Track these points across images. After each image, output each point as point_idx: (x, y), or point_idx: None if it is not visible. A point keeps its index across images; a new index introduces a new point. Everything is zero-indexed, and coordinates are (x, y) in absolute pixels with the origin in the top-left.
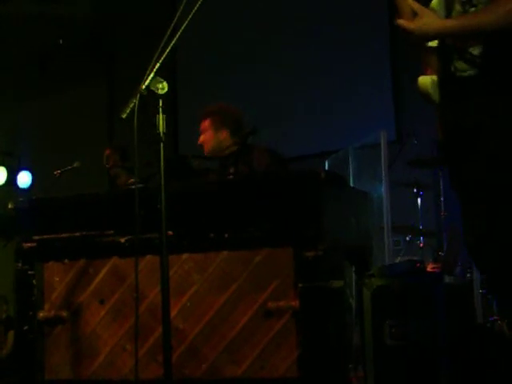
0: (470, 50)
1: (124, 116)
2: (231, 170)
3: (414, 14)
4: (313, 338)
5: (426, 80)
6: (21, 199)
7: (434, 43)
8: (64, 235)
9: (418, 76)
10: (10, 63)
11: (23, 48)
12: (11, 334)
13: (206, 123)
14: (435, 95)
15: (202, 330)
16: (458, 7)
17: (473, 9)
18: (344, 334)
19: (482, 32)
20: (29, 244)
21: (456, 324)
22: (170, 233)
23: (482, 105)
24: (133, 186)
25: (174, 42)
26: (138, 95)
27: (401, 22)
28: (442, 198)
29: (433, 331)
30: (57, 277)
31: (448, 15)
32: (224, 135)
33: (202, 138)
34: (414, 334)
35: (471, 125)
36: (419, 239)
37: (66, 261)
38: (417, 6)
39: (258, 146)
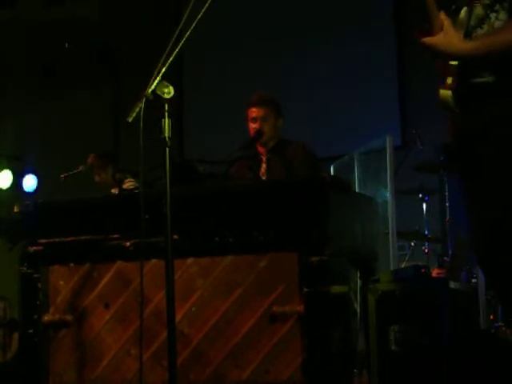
0: None
1: (130, 120)
2: (264, 162)
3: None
4: (317, 343)
5: (446, 93)
6: (26, 203)
7: (454, 62)
8: (69, 239)
9: (437, 88)
10: (17, 67)
11: (30, 52)
12: (16, 336)
13: (267, 111)
14: (455, 107)
15: (207, 334)
16: (479, 10)
17: (493, 14)
18: (349, 339)
19: (506, 50)
20: (34, 247)
21: (460, 330)
22: (176, 237)
23: (497, 110)
24: (137, 191)
25: (180, 46)
26: (144, 99)
27: (425, 40)
28: (447, 204)
29: (437, 337)
30: (62, 280)
31: (469, 19)
32: (281, 123)
33: (261, 125)
34: (418, 340)
35: (484, 130)
36: (424, 245)
37: (71, 264)
38: (446, 23)
39: (295, 141)
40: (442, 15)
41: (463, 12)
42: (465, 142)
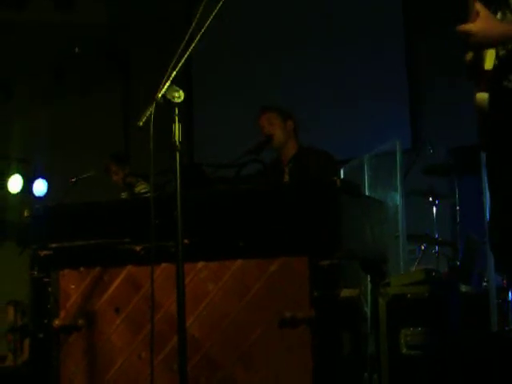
0: None
1: (141, 124)
2: (286, 173)
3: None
4: (328, 347)
5: (483, 96)
6: (37, 207)
7: (489, 66)
8: (79, 243)
9: (475, 92)
10: (26, 71)
11: (39, 55)
12: (27, 341)
13: (271, 115)
14: (490, 110)
15: (218, 338)
16: (510, 17)
17: None
18: (359, 342)
19: None
20: (44, 252)
21: (471, 333)
22: (186, 241)
23: None
24: (148, 195)
25: (190, 50)
26: (154, 104)
27: (461, 27)
28: (457, 207)
29: (448, 340)
30: (72, 284)
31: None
32: (291, 125)
33: (269, 129)
34: (429, 343)
35: None
36: (434, 248)
37: (82, 269)
38: (482, 10)
39: (316, 150)
40: (478, 5)
41: (499, 16)
42: (496, 142)
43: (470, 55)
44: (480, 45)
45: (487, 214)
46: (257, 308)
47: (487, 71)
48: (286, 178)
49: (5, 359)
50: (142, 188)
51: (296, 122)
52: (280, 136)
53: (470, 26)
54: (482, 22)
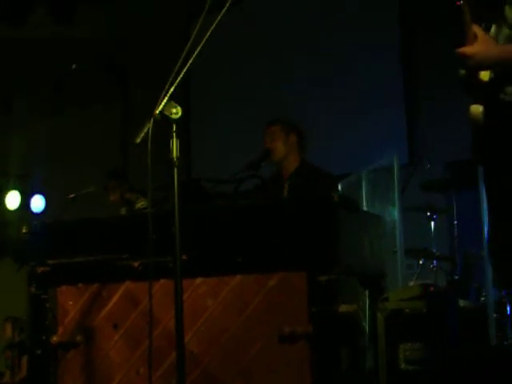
0: None
1: (138, 141)
2: (286, 188)
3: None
4: (326, 362)
5: (477, 109)
6: (34, 223)
7: (486, 77)
8: (77, 259)
9: (469, 104)
10: (24, 85)
11: (37, 70)
12: (25, 358)
13: (276, 129)
14: (485, 122)
15: (216, 354)
16: (506, 31)
17: None
18: (358, 358)
19: None
20: (42, 268)
21: (470, 347)
22: (184, 257)
23: None
24: (146, 210)
25: (187, 66)
26: (152, 120)
27: (460, 50)
28: (455, 222)
29: (447, 355)
30: (70, 301)
31: (497, 38)
32: (294, 139)
33: (270, 143)
34: (428, 358)
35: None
36: (433, 263)
37: (80, 285)
38: (480, 33)
39: (318, 167)
40: (476, 27)
41: (493, 30)
42: (492, 153)
43: (463, 71)
44: (478, 67)
45: (485, 228)
46: (256, 323)
47: (483, 83)
48: (285, 193)
49: (2, 376)
50: (142, 204)
51: (301, 136)
52: (280, 149)
53: (467, 49)
54: (479, 45)
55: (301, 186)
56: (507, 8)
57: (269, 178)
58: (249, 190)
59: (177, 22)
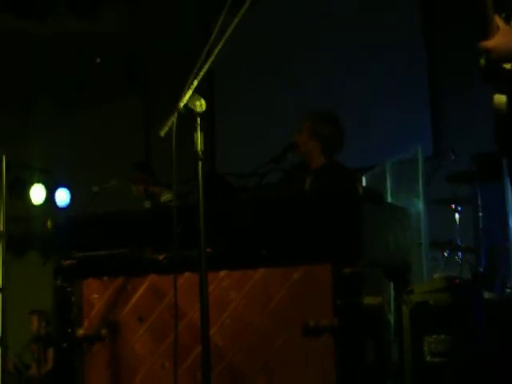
0: None
1: (163, 134)
2: (308, 183)
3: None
4: (351, 355)
5: (501, 98)
6: (59, 217)
7: (509, 65)
8: (103, 252)
9: (493, 94)
10: (47, 81)
11: (61, 66)
12: (51, 351)
13: (305, 125)
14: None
15: (241, 347)
16: None
17: None
18: (383, 350)
19: None
20: (68, 261)
21: (496, 340)
22: (209, 250)
23: None
24: (171, 203)
25: (211, 59)
26: (176, 113)
27: (481, 43)
28: (480, 214)
29: (472, 347)
30: (96, 294)
31: None
32: (311, 146)
33: (297, 137)
34: (453, 351)
35: None
36: (457, 255)
37: (105, 278)
38: (502, 25)
39: (344, 166)
40: (497, 19)
41: None
42: None
43: (483, 61)
44: (500, 59)
45: (510, 220)
46: (280, 316)
47: (506, 72)
48: (307, 186)
49: (29, 369)
50: (167, 197)
51: (327, 142)
52: (304, 145)
53: (489, 42)
54: (500, 37)
55: (323, 182)
56: None
57: (292, 168)
58: (272, 184)
59: (199, 15)
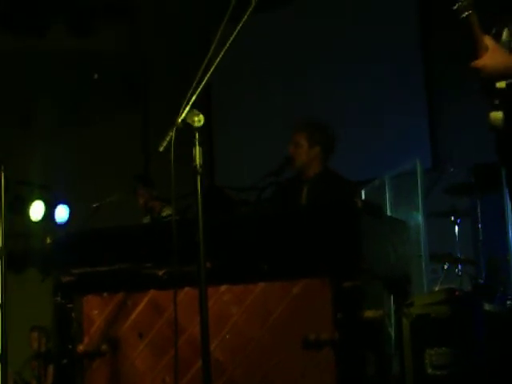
0: None
1: (161, 149)
2: (304, 192)
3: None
4: (352, 368)
5: (497, 115)
6: (59, 233)
7: (503, 84)
8: (102, 268)
9: (487, 111)
10: (45, 96)
11: (59, 81)
12: (51, 367)
13: (300, 137)
14: (505, 128)
15: (241, 361)
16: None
17: None
18: (383, 364)
19: None
20: (67, 278)
21: (497, 352)
22: (209, 265)
23: None
24: (170, 218)
25: (208, 75)
26: (175, 128)
27: (472, 63)
28: (479, 225)
29: (473, 359)
30: (95, 310)
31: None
32: (316, 151)
33: (293, 151)
34: (454, 363)
35: None
36: (457, 267)
37: (105, 294)
38: (490, 44)
39: (340, 175)
40: (487, 38)
41: (505, 34)
42: None
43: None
44: (490, 78)
45: (510, 231)
46: (280, 330)
47: (500, 89)
48: (304, 197)
49: None
50: (168, 213)
51: (325, 149)
52: (302, 160)
53: (478, 62)
54: (488, 57)
55: (321, 191)
56: None
57: (287, 181)
58: (268, 197)
59: (198, 31)
